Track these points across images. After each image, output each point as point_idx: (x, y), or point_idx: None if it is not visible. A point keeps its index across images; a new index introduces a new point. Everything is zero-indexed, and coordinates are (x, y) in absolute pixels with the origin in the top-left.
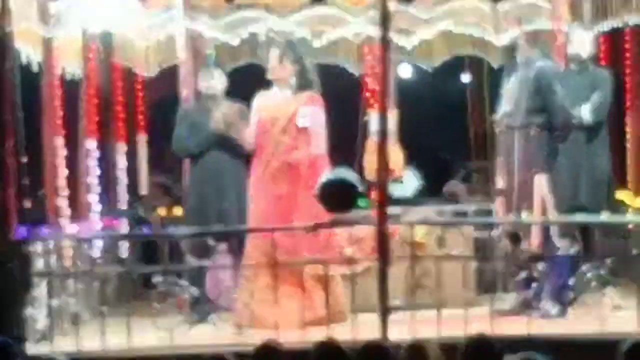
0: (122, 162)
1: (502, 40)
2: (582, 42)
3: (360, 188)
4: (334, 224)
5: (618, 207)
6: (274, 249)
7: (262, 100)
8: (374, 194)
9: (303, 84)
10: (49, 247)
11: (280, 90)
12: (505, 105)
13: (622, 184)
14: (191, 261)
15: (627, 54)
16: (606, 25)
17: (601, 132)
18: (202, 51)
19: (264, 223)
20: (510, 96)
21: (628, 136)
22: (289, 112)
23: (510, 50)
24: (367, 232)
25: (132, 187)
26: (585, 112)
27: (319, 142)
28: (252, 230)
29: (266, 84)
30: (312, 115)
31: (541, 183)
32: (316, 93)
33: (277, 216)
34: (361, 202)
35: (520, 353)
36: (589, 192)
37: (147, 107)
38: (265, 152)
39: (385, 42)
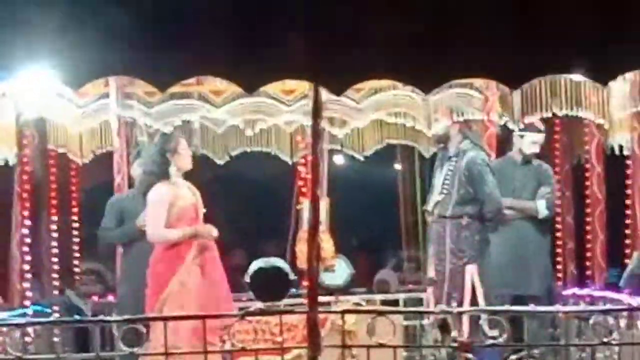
0: (54, 248)
1: (433, 129)
2: (532, 142)
3: (292, 276)
4: (265, 311)
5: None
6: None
7: (171, 190)
8: (305, 282)
9: None
10: None
11: (180, 179)
12: (436, 195)
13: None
14: (123, 348)
15: (557, 145)
16: (535, 117)
17: (549, 226)
18: (135, 138)
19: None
20: (442, 185)
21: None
22: (198, 199)
23: (442, 140)
24: (298, 319)
25: (65, 273)
26: (541, 207)
27: None
28: (185, 317)
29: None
30: None
31: (472, 272)
32: None
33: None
34: (293, 290)
35: None
36: (533, 282)
37: (80, 193)
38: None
39: (317, 131)
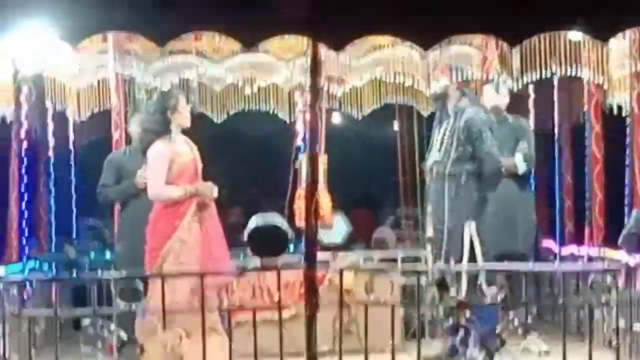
0: (52, 205)
1: (432, 88)
2: (504, 94)
3: (290, 233)
4: (263, 268)
5: (545, 255)
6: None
7: (171, 147)
8: (303, 239)
9: None
10: None
11: (179, 135)
12: (434, 153)
13: (548, 233)
14: (120, 305)
15: (556, 104)
16: (534, 76)
17: (529, 181)
18: (133, 96)
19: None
20: (440, 144)
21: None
22: (197, 155)
23: (440, 98)
24: (296, 277)
25: (62, 230)
26: (519, 161)
27: None
28: (182, 274)
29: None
30: None
31: (470, 231)
32: None
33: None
34: (291, 247)
35: None
36: (521, 240)
37: (78, 150)
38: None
39: (315, 90)
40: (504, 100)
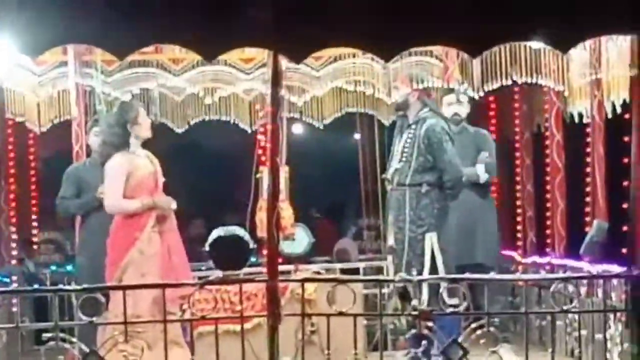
0: (13, 218)
1: (393, 97)
2: (464, 103)
3: (252, 245)
4: (225, 280)
5: (507, 264)
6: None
7: (130, 160)
8: (265, 251)
9: None
10: None
11: (139, 148)
12: (395, 163)
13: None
14: (82, 317)
15: (516, 113)
16: (495, 84)
17: (489, 191)
18: (94, 107)
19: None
20: (401, 153)
21: (519, 194)
22: (158, 167)
23: (402, 108)
24: (258, 288)
25: (24, 243)
26: (481, 171)
27: None
28: (144, 286)
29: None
30: None
31: (431, 241)
32: None
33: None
34: (253, 259)
35: None
36: (483, 249)
37: (38, 162)
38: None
39: (276, 99)
40: (464, 109)
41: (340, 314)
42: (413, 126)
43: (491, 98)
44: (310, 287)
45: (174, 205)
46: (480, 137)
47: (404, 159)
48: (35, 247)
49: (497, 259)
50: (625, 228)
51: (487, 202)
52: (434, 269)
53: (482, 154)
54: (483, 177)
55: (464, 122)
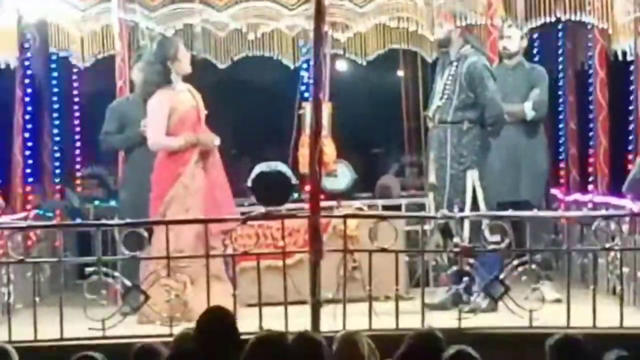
0: (56, 152)
1: (436, 34)
2: (510, 38)
3: (294, 181)
4: (267, 216)
5: (551, 201)
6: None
7: (171, 96)
8: (307, 187)
9: None
10: None
11: (180, 83)
12: (437, 100)
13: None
14: (124, 252)
15: (560, 50)
16: (539, 22)
17: (540, 129)
18: (137, 42)
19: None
20: (443, 90)
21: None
22: (200, 102)
23: (444, 44)
24: (300, 224)
25: (67, 178)
26: (527, 109)
27: None
28: (186, 221)
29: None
30: None
31: (473, 178)
32: None
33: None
34: (295, 194)
35: (451, 347)
36: (528, 187)
37: (82, 97)
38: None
39: (319, 35)
40: (513, 43)
41: (382, 250)
42: (455, 63)
43: (535, 35)
44: (352, 223)
45: (217, 141)
46: (535, 73)
47: (445, 96)
48: (78, 182)
49: (543, 198)
50: None
51: (535, 140)
52: (475, 206)
53: (533, 91)
54: (530, 114)
55: (521, 57)
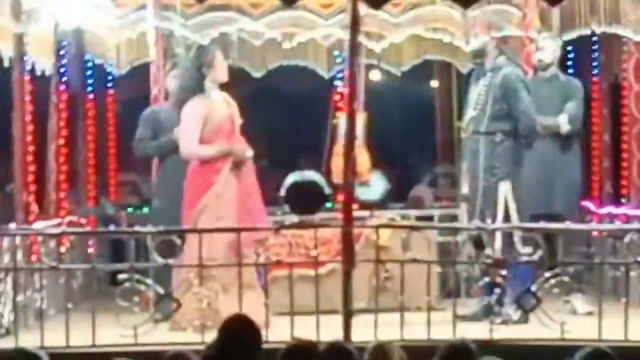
0: (91, 159)
1: (470, 45)
2: (545, 49)
3: (327, 190)
4: (300, 225)
5: (584, 214)
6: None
7: (206, 104)
8: (340, 197)
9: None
10: (15, 243)
11: (215, 91)
12: (471, 111)
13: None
14: (157, 259)
15: (595, 63)
16: (574, 34)
17: (574, 142)
18: (172, 50)
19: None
20: (476, 101)
21: (595, 144)
22: (235, 110)
23: (479, 55)
24: (332, 234)
25: (101, 184)
26: (563, 122)
27: None
28: (220, 230)
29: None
30: None
31: (505, 189)
32: None
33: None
34: (328, 204)
35: (482, 358)
36: (562, 201)
37: (117, 104)
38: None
39: (354, 45)
40: (548, 55)
41: (414, 260)
42: (489, 74)
43: (569, 47)
44: (384, 233)
45: (249, 153)
46: (570, 86)
47: (479, 106)
48: (112, 188)
49: (577, 211)
50: None
51: (570, 154)
52: (507, 218)
53: (568, 104)
54: (564, 128)
55: (556, 69)
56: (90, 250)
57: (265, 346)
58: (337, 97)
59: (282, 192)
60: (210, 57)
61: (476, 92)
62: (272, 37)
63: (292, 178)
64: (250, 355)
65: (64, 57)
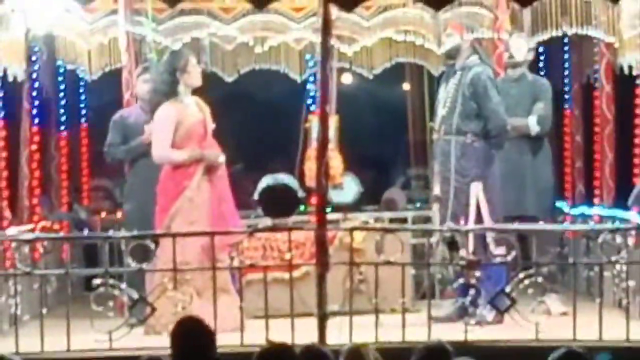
0: (63, 165)
1: (443, 47)
2: (518, 48)
3: (300, 193)
4: (274, 228)
5: (557, 215)
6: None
7: (179, 109)
8: (313, 200)
9: None
10: None
11: (188, 96)
12: (440, 109)
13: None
14: (131, 264)
15: (566, 64)
16: (545, 35)
17: (544, 143)
18: (144, 55)
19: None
20: (446, 99)
21: (567, 145)
22: (207, 115)
23: (452, 56)
24: (306, 237)
25: (73, 189)
26: (532, 123)
27: None
28: (193, 234)
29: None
30: None
31: (476, 191)
32: None
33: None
34: (301, 207)
35: (456, 359)
36: (534, 202)
37: (89, 109)
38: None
39: (326, 49)
40: (520, 54)
41: (388, 263)
42: (459, 72)
43: (541, 49)
44: (358, 236)
45: (221, 158)
46: (539, 86)
47: (448, 104)
48: (85, 194)
49: (550, 212)
50: None
51: (540, 155)
52: (479, 219)
53: (537, 104)
54: (534, 129)
55: (525, 69)
56: (64, 255)
57: (240, 350)
58: (309, 101)
59: (256, 195)
60: (184, 62)
61: (446, 90)
62: (244, 41)
63: (265, 181)
64: (204, 356)
65: (35, 62)
